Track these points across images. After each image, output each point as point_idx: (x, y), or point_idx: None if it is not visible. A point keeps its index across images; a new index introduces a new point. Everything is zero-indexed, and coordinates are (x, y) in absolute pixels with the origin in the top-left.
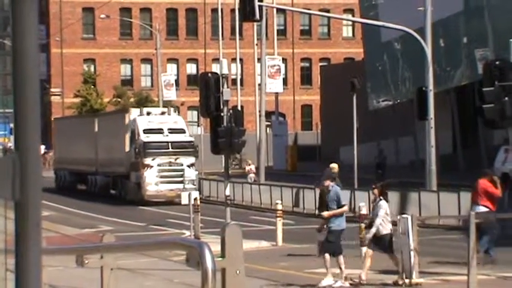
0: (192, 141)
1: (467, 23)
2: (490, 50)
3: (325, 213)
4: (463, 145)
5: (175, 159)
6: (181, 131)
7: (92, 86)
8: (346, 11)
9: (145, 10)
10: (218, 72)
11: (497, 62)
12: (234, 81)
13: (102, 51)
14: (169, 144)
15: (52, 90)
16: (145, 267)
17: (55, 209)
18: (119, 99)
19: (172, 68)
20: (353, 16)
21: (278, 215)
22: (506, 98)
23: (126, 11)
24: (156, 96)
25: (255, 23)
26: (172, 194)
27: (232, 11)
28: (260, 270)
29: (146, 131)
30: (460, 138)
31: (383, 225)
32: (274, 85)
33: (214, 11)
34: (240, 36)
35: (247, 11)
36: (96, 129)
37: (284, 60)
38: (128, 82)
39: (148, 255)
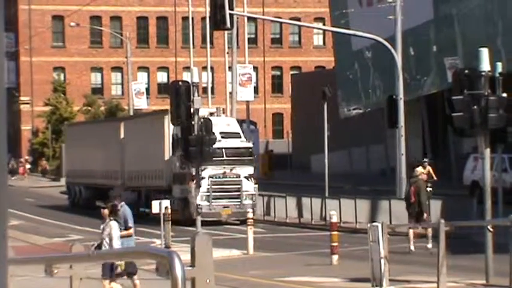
0: (250, 148)
1: (437, 32)
2: (459, 59)
3: None
4: (433, 153)
5: (231, 170)
6: (236, 135)
7: (62, 95)
8: (316, 19)
9: (116, 18)
10: (189, 80)
11: (466, 71)
12: (204, 90)
13: (72, 59)
14: (223, 151)
15: (21, 98)
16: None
17: (24, 218)
18: (89, 108)
19: (142, 76)
20: (324, 25)
21: (249, 223)
22: (475, 107)
23: (96, 19)
24: (126, 104)
25: (226, 32)
26: (227, 211)
27: (203, 19)
28: (231, 279)
29: None
30: (430, 146)
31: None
32: (245, 93)
33: (185, 19)
34: (210, 44)
35: (218, 20)
36: (123, 135)
37: (255, 68)
38: (98, 90)
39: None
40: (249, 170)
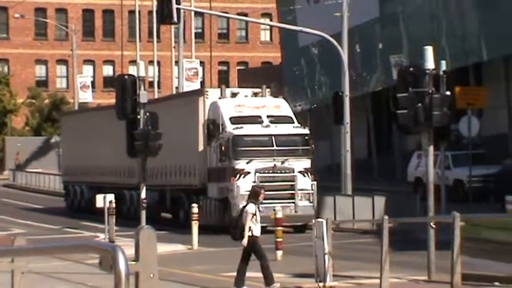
0: (306, 135)
1: (382, 30)
2: (404, 56)
3: None
4: (378, 150)
5: (282, 163)
6: (288, 119)
7: (6, 87)
8: (264, 15)
9: (61, 11)
10: (135, 74)
11: (411, 68)
12: (151, 84)
13: (16, 51)
14: (273, 138)
15: None
16: (58, 271)
17: None
18: (33, 101)
19: (88, 69)
20: (271, 20)
21: (194, 218)
22: (420, 104)
23: (41, 11)
24: (71, 97)
25: (173, 26)
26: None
27: (150, 13)
28: (175, 274)
29: (235, 120)
30: (374, 143)
31: None
32: (192, 88)
33: (132, 12)
34: (157, 38)
35: (164, 14)
36: None
37: (202, 63)
38: (42, 83)
39: (61, 258)
40: (305, 163)
